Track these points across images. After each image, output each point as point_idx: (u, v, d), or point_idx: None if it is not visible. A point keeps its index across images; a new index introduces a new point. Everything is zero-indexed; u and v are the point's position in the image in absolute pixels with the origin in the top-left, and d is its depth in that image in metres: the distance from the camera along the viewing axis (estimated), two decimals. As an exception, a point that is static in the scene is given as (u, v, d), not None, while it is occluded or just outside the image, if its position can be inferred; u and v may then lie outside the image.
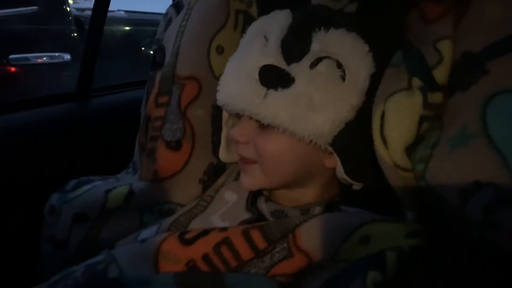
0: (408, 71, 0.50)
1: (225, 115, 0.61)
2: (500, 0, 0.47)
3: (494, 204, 0.40)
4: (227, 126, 0.62)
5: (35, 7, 2.30)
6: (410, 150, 0.49)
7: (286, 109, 0.50)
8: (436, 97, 0.48)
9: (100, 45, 1.04)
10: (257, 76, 0.51)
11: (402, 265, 0.41)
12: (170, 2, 0.77)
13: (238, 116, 0.58)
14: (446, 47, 0.48)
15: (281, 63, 0.51)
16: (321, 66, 0.50)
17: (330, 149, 0.52)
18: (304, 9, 0.55)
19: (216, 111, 0.64)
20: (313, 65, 0.50)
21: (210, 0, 0.70)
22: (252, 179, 0.56)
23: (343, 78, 0.50)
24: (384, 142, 0.49)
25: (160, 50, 0.74)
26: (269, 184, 0.56)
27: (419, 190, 0.47)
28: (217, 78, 0.65)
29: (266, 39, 0.53)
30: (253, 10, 0.70)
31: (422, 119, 0.48)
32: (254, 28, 0.57)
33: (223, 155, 0.62)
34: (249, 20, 0.69)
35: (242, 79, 0.53)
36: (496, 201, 0.39)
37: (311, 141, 0.50)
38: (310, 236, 0.47)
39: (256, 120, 0.52)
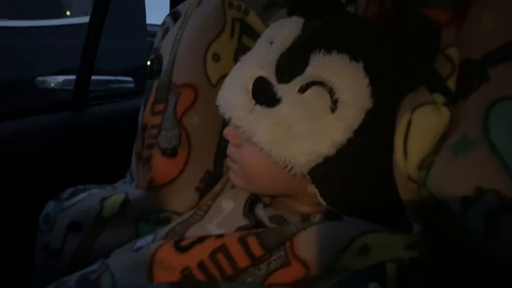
0: (426, 86, 0.48)
1: None
2: (496, 8, 0.47)
3: (495, 212, 0.39)
4: None
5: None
6: None
7: (265, 129, 0.48)
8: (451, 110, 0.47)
9: (96, 55, 1.04)
10: (250, 87, 0.50)
11: (402, 277, 0.40)
12: (167, 13, 0.77)
13: None
14: (455, 54, 0.48)
15: (273, 79, 0.49)
16: (309, 93, 0.47)
17: (308, 177, 0.50)
18: (318, 22, 0.51)
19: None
20: (302, 89, 0.47)
21: (207, 8, 0.70)
22: (236, 178, 0.56)
23: (332, 109, 0.46)
24: (405, 153, 0.47)
25: (157, 59, 0.73)
26: (250, 190, 0.56)
27: (421, 199, 0.47)
28: (213, 86, 0.65)
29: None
30: (250, 19, 0.70)
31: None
32: (266, 32, 0.56)
33: None
34: (245, 28, 0.69)
35: (236, 87, 0.52)
36: (497, 209, 0.39)
37: (286, 166, 0.48)
38: (308, 245, 0.46)
39: None
